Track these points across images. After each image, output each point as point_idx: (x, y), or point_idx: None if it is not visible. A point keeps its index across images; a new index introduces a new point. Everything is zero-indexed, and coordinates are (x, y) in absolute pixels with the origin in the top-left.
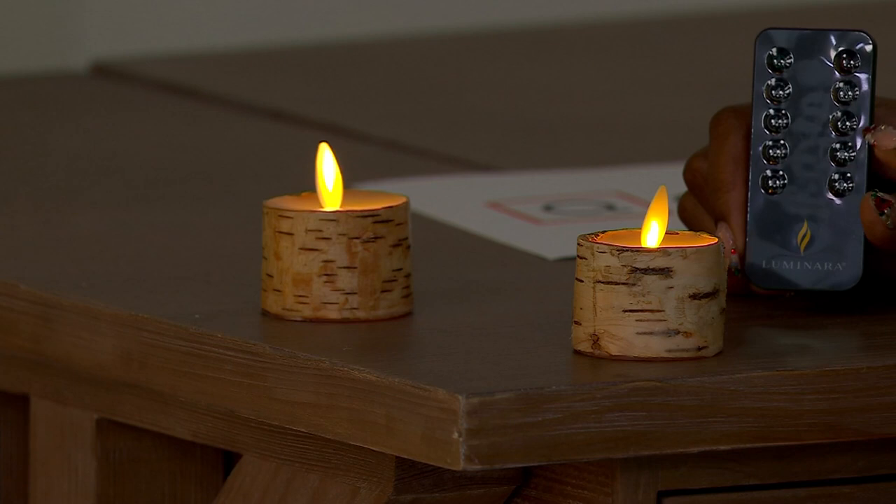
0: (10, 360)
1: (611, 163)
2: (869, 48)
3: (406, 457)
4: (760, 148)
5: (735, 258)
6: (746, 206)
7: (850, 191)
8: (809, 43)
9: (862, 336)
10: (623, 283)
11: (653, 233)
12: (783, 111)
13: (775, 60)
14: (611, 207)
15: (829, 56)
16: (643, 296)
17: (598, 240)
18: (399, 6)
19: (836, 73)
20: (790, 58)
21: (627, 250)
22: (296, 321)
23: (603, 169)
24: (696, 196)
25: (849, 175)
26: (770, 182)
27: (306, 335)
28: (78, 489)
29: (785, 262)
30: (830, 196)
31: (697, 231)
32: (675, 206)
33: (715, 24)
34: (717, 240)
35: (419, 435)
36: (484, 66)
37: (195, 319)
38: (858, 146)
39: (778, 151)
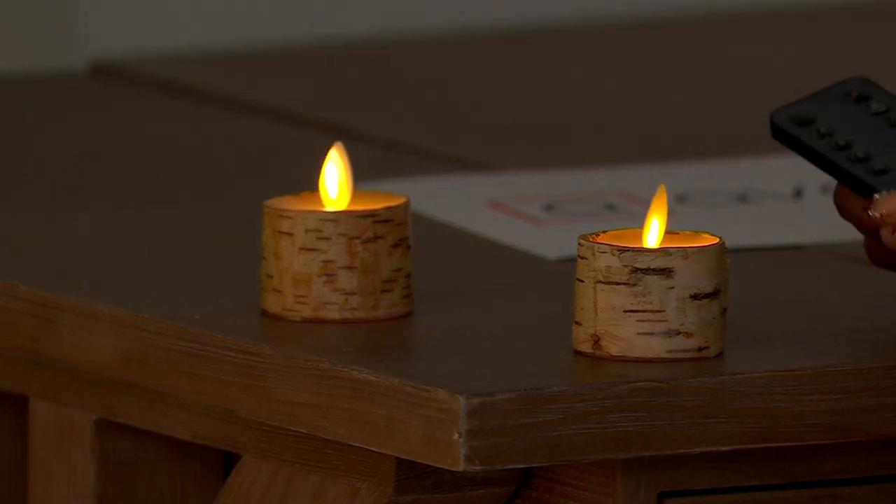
0: (9, 360)
1: (611, 163)
2: (866, 84)
3: (406, 458)
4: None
5: None
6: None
7: None
8: (819, 103)
9: (864, 336)
10: (624, 284)
11: (653, 232)
12: (852, 147)
13: (802, 130)
14: (611, 207)
15: (845, 100)
16: (644, 296)
17: (598, 240)
18: (399, 6)
19: (860, 105)
20: (813, 117)
21: (628, 250)
22: (296, 321)
23: (603, 169)
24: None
25: None
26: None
27: (306, 335)
28: (77, 490)
29: None
30: None
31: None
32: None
33: (716, 22)
34: (718, 239)
35: (419, 436)
36: (484, 65)
37: (195, 319)
38: None
39: (881, 165)
